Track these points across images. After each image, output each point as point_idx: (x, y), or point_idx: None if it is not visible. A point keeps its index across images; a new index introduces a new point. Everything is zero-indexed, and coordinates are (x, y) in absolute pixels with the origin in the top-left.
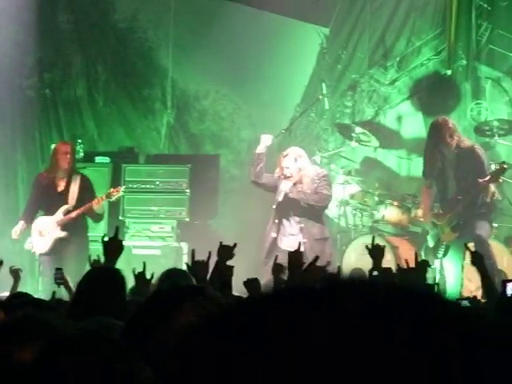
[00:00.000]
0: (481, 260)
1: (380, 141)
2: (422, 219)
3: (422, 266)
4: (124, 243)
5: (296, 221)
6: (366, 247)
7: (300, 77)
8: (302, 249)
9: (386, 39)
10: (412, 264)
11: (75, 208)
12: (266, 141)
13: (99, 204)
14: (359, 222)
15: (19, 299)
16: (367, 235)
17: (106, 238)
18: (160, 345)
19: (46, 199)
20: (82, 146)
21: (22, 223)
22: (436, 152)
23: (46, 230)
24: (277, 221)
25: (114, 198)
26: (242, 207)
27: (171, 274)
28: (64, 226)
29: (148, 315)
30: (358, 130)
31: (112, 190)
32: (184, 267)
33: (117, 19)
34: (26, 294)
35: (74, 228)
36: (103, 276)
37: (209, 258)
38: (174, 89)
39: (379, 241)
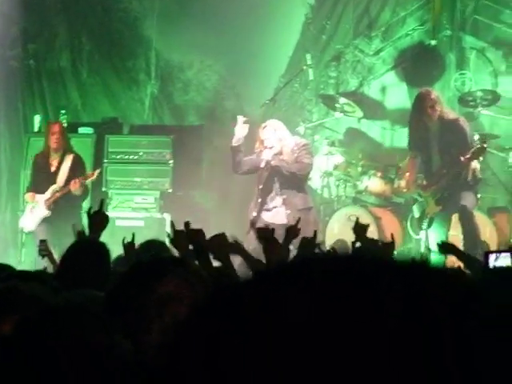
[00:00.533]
0: (455, 250)
1: (364, 111)
2: (405, 190)
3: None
4: (107, 214)
5: (278, 193)
6: (349, 219)
7: (285, 47)
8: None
9: (371, 9)
10: (397, 237)
11: (63, 188)
12: (241, 131)
13: (76, 186)
14: (342, 192)
15: (4, 272)
16: (350, 206)
17: (91, 211)
18: (140, 315)
19: (41, 179)
20: (65, 116)
21: (30, 195)
22: (420, 123)
23: (36, 208)
24: (260, 200)
25: (88, 181)
26: (226, 178)
27: (150, 246)
28: (50, 206)
29: (128, 286)
30: (342, 100)
31: (89, 173)
32: (166, 238)
33: None
34: (9, 267)
35: (62, 207)
36: (87, 248)
37: (187, 227)
38: (159, 59)
39: (362, 212)
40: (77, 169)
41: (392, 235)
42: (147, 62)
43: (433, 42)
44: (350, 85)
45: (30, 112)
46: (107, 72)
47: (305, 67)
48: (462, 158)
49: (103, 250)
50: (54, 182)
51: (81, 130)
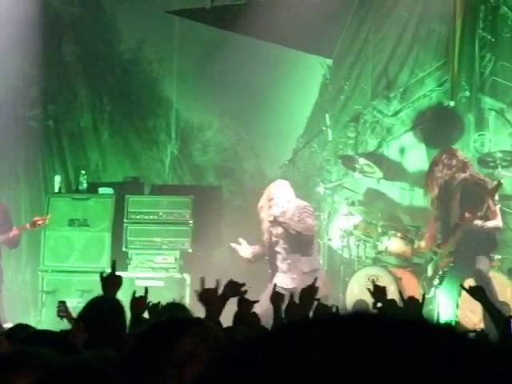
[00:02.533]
0: (482, 293)
1: (383, 172)
2: (423, 250)
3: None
4: (127, 274)
5: (283, 257)
6: (370, 280)
7: (303, 108)
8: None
9: (389, 70)
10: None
11: None
12: (245, 253)
13: (19, 233)
14: (362, 253)
15: (23, 331)
16: (371, 266)
17: (105, 274)
18: (158, 375)
19: None
20: (85, 177)
21: None
22: (440, 181)
23: None
24: (267, 258)
25: (38, 227)
26: (245, 238)
27: (172, 308)
28: None
29: (147, 345)
30: (362, 161)
31: (37, 218)
32: (187, 299)
33: (122, 50)
34: (28, 326)
35: None
36: (103, 307)
37: (217, 286)
38: (178, 120)
39: (382, 272)
40: (3, 217)
41: (400, 292)
42: (167, 123)
43: (451, 103)
44: (369, 145)
45: (50, 172)
46: (128, 132)
47: (324, 128)
48: (479, 214)
49: (119, 308)
50: None
51: (101, 190)
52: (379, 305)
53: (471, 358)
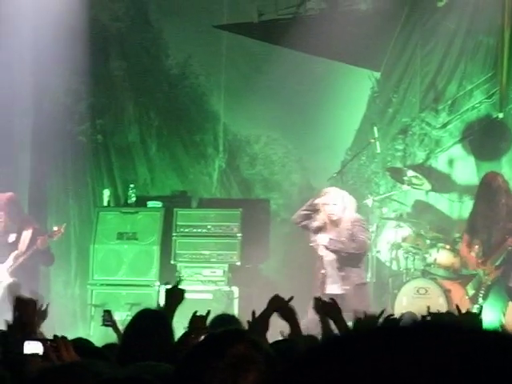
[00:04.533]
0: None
1: (432, 184)
2: (471, 267)
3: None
4: (184, 290)
5: (336, 269)
6: (418, 292)
7: (351, 121)
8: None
9: (437, 83)
10: (463, 309)
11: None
12: (330, 199)
13: (43, 243)
14: (411, 265)
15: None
16: (419, 278)
17: (169, 286)
18: (213, 380)
19: None
20: (134, 190)
21: None
22: (485, 207)
23: (1, 278)
24: (323, 271)
25: (55, 238)
26: (293, 251)
27: (222, 320)
28: (14, 273)
29: (201, 354)
30: (410, 173)
31: (55, 229)
32: (236, 312)
33: (169, 65)
34: (88, 341)
35: (26, 273)
36: (150, 320)
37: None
38: (226, 134)
39: (431, 284)
40: (36, 238)
41: (457, 306)
42: (215, 137)
43: (500, 115)
44: (418, 157)
45: (99, 186)
46: (175, 146)
47: (372, 140)
48: None
49: (166, 320)
50: (13, 251)
51: (149, 203)
52: (428, 319)
53: None
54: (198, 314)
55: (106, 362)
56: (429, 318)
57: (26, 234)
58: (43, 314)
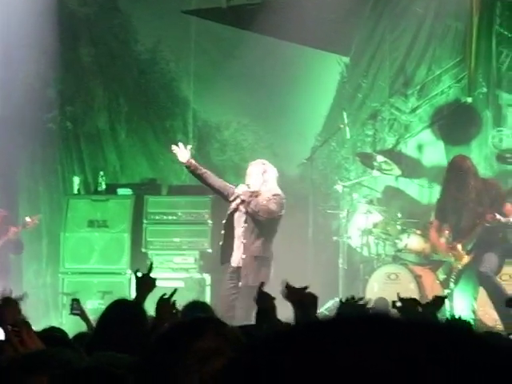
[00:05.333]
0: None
1: (402, 169)
2: (441, 253)
3: (440, 300)
4: (155, 278)
5: (238, 235)
6: (389, 278)
7: (320, 106)
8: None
9: (407, 67)
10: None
11: None
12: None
13: (15, 234)
14: (382, 251)
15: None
16: (390, 264)
17: (139, 274)
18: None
19: None
20: (104, 178)
21: None
22: (453, 192)
23: None
24: (222, 232)
25: (29, 228)
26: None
27: (194, 307)
28: None
29: (169, 343)
30: (380, 158)
31: (29, 220)
32: (207, 299)
33: (138, 50)
34: (60, 330)
35: None
36: (124, 310)
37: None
38: (196, 120)
39: (402, 270)
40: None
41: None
42: (185, 123)
43: (469, 100)
44: (387, 143)
45: (69, 174)
46: (145, 133)
47: (341, 126)
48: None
49: (139, 310)
50: None
51: (120, 191)
52: (398, 304)
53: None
54: (172, 304)
55: (72, 351)
56: (399, 304)
57: None
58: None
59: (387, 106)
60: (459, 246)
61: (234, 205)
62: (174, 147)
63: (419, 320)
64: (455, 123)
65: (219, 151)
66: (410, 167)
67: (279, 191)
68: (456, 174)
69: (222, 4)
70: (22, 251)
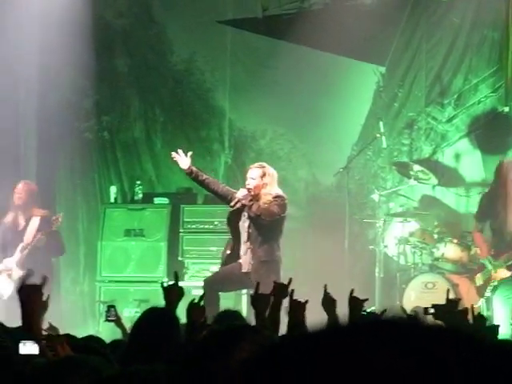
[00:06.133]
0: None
1: (438, 178)
2: (480, 256)
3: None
4: (183, 284)
5: (244, 240)
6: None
7: (357, 115)
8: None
9: (443, 77)
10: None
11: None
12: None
13: (39, 242)
14: (419, 260)
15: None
16: (427, 273)
17: (166, 284)
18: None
19: (8, 239)
20: (140, 187)
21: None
22: (501, 193)
23: (11, 271)
24: (229, 238)
25: (54, 227)
26: (300, 246)
27: (226, 315)
28: (23, 265)
29: (204, 354)
30: (416, 167)
31: (53, 218)
32: (244, 307)
33: (174, 61)
34: (98, 339)
35: (36, 266)
36: (157, 316)
37: (272, 293)
38: (232, 129)
39: (439, 279)
40: (44, 227)
41: (472, 306)
42: (220, 132)
43: (506, 109)
44: (424, 152)
45: (106, 183)
46: (181, 142)
47: (378, 135)
48: None
49: (174, 319)
50: (22, 241)
51: (156, 200)
52: (431, 311)
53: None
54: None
55: (102, 358)
56: (432, 311)
57: (33, 224)
58: (44, 305)
59: (424, 116)
60: (501, 258)
61: (234, 209)
62: (173, 154)
63: (449, 325)
64: (492, 132)
65: (255, 160)
66: (447, 176)
67: (280, 192)
68: (501, 174)
69: (258, 14)
70: (62, 253)
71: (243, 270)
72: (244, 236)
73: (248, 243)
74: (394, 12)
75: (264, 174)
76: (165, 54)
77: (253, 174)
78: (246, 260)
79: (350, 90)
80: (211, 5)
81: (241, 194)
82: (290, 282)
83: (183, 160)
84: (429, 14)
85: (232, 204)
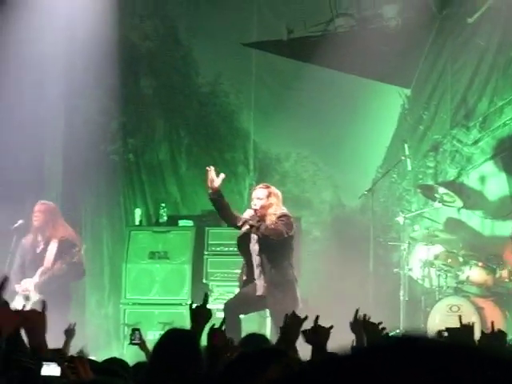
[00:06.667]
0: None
1: (463, 201)
2: (507, 280)
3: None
4: (208, 306)
5: (256, 263)
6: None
7: (381, 138)
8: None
9: (468, 99)
10: (499, 326)
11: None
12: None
13: (63, 266)
14: (444, 283)
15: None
16: (452, 296)
17: (194, 305)
18: None
19: (27, 260)
20: (165, 209)
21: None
22: None
23: (29, 293)
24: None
25: (75, 259)
26: (324, 268)
27: (252, 339)
28: (42, 289)
29: (235, 375)
30: (442, 190)
31: (76, 249)
32: (267, 330)
33: (199, 83)
34: (121, 361)
35: (55, 290)
36: (178, 338)
37: (303, 320)
38: (256, 151)
39: (464, 302)
40: (64, 251)
41: (492, 323)
42: (245, 155)
43: None
44: (449, 175)
45: (131, 205)
46: (206, 165)
47: (403, 157)
48: None
49: (195, 341)
50: (41, 264)
51: (181, 222)
52: (445, 334)
53: None
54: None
55: (123, 381)
56: (445, 334)
57: (52, 247)
58: (71, 333)
59: (449, 138)
60: None
61: (243, 230)
62: (209, 169)
63: (463, 344)
64: None
65: (279, 183)
66: (472, 199)
67: (286, 211)
68: None
69: (283, 37)
70: (81, 277)
71: (258, 294)
72: (256, 259)
73: (260, 266)
74: (419, 34)
75: (269, 194)
76: (190, 76)
77: (258, 195)
78: (260, 283)
79: (375, 113)
80: (237, 27)
81: (248, 214)
82: (304, 319)
83: (215, 179)
84: (454, 37)
85: (239, 224)
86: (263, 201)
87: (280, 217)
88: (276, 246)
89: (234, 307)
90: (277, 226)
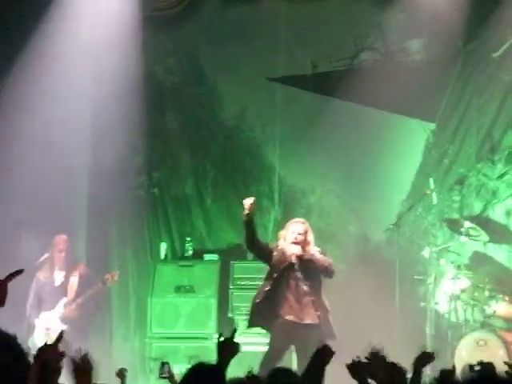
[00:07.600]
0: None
1: (489, 235)
2: None
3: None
4: (238, 343)
5: (304, 293)
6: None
7: (406, 172)
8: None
9: (494, 133)
10: None
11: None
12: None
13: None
14: (470, 317)
15: None
16: (479, 330)
17: (222, 338)
18: None
19: (45, 294)
20: (191, 243)
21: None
22: None
23: (51, 326)
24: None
25: (109, 285)
26: (350, 303)
27: (278, 373)
28: (65, 320)
29: None
30: (467, 224)
31: (107, 275)
32: (294, 364)
33: (224, 117)
34: None
35: (78, 321)
36: (203, 373)
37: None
38: (281, 185)
39: (491, 336)
40: (85, 282)
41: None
42: (270, 188)
43: None
44: (475, 208)
45: (156, 239)
46: (231, 198)
47: (428, 191)
48: None
49: (221, 376)
50: (61, 297)
51: (206, 256)
52: (477, 368)
53: None
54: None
55: None
56: (477, 368)
57: (74, 280)
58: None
59: (474, 172)
60: None
61: (285, 266)
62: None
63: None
64: None
65: (304, 216)
66: (498, 233)
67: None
68: None
69: (308, 71)
70: (98, 311)
71: (307, 322)
72: (303, 288)
73: (308, 295)
74: (444, 68)
75: (307, 231)
76: (215, 110)
77: (299, 229)
78: (309, 312)
79: (400, 147)
80: (261, 61)
81: (296, 249)
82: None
83: (250, 208)
84: (479, 71)
85: (291, 256)
86: (303, 236)
87: (321, 252)
88: (320, 276)
89: (269, 366)
90: (328, 259)
